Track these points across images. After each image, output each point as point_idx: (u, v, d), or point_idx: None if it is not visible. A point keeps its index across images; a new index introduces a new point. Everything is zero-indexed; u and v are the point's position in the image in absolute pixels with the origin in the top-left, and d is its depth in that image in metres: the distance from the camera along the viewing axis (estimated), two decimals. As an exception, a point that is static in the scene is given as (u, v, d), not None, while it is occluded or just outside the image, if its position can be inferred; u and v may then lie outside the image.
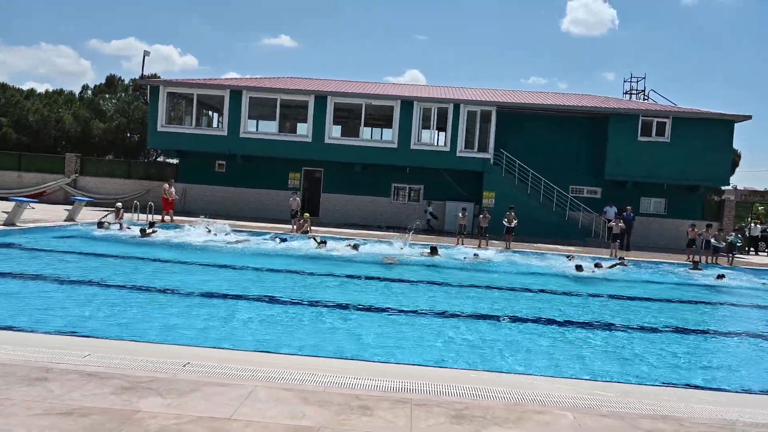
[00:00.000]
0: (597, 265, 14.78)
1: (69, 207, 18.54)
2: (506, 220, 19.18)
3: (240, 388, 4.38)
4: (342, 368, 5.20)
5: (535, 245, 19.98)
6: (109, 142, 33.55)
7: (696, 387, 5.94)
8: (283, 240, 15.45)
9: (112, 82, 37.75)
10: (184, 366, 4.82)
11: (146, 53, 29.47)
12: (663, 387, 5.77)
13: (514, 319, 8.46)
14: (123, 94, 35.55)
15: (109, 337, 5.97)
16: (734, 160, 33.21)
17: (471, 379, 5.12)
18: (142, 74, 32.72)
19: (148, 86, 25.49)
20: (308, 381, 4.65)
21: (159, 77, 33.33)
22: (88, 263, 10.98)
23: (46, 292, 8.20)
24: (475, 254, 15.67)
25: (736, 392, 5.85)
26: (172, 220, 19.54)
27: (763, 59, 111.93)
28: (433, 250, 14.89)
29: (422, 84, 44.04)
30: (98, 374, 4.49)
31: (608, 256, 18.20)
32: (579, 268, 13.93)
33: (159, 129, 23.90)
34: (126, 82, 37.76)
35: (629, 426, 4.15)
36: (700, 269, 16.14)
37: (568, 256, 15.65)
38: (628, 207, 22.32)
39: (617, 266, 15.15)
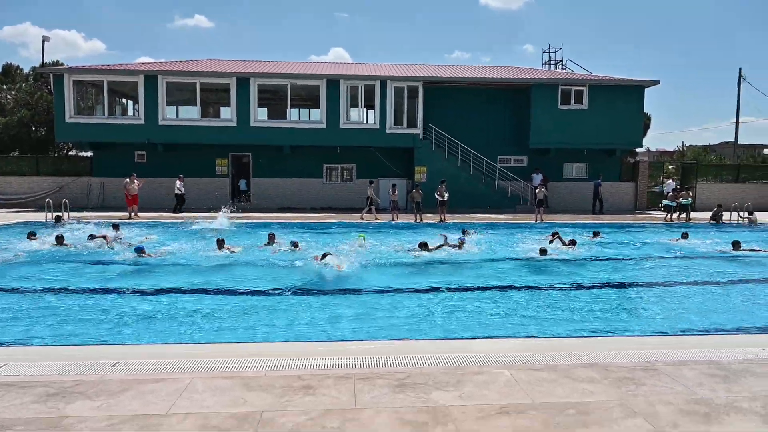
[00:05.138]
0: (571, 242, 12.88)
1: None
2: (438, 193, 19.52)
3: (176, 381, 4.22)
4: (284, 351, 5.14)
5: (469, 216, 20.53)
6: (12, 137, 30.81)
7: (622, 334, 6.35)
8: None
9: (9, 71, 34.51)
10: (113, 366, 4.58)
11: (45, 39, 27.20)
12: (593, 337, 6.14)
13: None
14: (23, 85, 32.61)
15: (26, 344, 5.58)
16: (646, 123, 35.32)
17: (413, 349, 5.21)
18: (43, 62, 30.28)
19: (51, 75, 23.61)
20: (249, 367, 4.56)
21: (63, 64, 30.94)
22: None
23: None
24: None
25: (657, 335, 6.32)
26: (136, 216, 18.85)
27: (667, 26, 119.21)
28: (424, 246, 11.96)
29: (348, 62, 43.56)
30: (18, 383, 4.19)
31: (534, 221, 19.01)
32: (544, 252, 11.89)
33: (67, 120, 22.24)
34: (26, 71, 34.70)
35: (561, 376, 4.37)
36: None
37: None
38: (600, 174, 23.40)
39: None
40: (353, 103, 23.66)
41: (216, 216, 16.90)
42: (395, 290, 8.53)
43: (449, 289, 8.30)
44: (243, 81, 22.61)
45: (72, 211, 18.76)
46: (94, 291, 8.28)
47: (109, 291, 8.26)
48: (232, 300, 7.85)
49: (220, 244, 11.81)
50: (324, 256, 9.95)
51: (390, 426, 3.52)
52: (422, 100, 23.22)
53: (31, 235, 12.53)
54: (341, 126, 23.03)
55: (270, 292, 8.27)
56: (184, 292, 8.24)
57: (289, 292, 8.24)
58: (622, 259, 12.41)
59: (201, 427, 3.52)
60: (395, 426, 3.52)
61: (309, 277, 9.32)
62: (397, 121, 23.41)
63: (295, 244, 11.92)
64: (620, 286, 9.54)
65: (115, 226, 14.30)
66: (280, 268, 10.24)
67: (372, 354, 4.89)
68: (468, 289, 8.67)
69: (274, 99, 24.81)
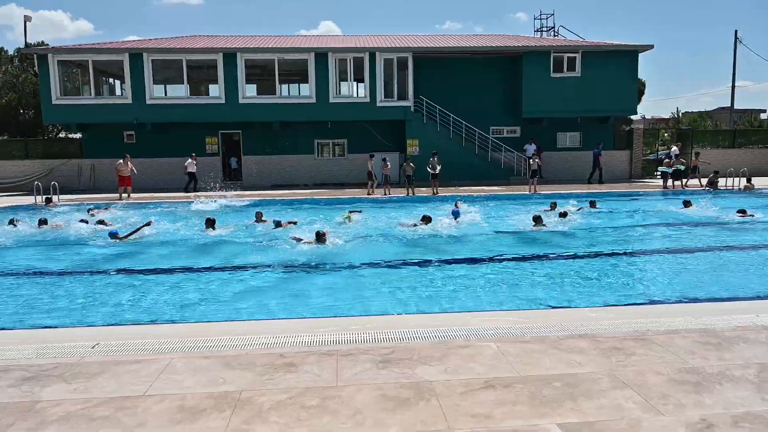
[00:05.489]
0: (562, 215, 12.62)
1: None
2: (430, 166, 19.31)
3: (155, 362, 4.12)
4: (267, 329, 5.03)
5: (461, 189, 20.37)
6: (0, 121, 30.39)
7: (614, 304, 6.27)
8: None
9: (-7, 54, 33.82)
10: (93, 347, 4.48)
11: (27, 18, 26.42)
12: (583, 308, 6.05)
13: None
14: (9, 67, 31.97)
15: (5, 327, 5.46)
16: (640, 89, 34.83)
17: (399, 324, 5.11)
18: (26, 42, 29.61)
19: (35, 55, 23.06)
20: (230, 346, 4.46)
21: (47, 45, 30.25)
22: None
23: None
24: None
25: (649, 304, 6.23)
26: (129, 197, 18.73)
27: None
28: (427, 220, 11.76)
29: (338, 35, 42.75)
30: (-7, 368, 4.08)
31: (528, 192, 18.87)
32: (538, 220, 11.62)
33: (54, 102, 21.83)
34: (11, 53, 33.97)
35: (550, 347, 4.28)
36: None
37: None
38: (600, 144, 23.12)
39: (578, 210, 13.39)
40: (342, 77, 23.25)
41: (191, 198, 16.72)
42: (384, 265, 8.43)
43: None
44: (230, 57, 22.15)
45: (63, 193, 18.56)
46: (77, 273, 8.16)
47: (91, 273, 8.13)
48: (215, 279, 7.73)
49: (210, 223, 11.63)
50: (319, 236, 9.71)
51: (371, 402, 3.42)
52: (412, 72, 22.82)
53: (11, 222, 12.28)
54: (331, 100, 22.66)
55: (255, 270, 8.15)
56: (166, 272, 8.13)
57: (276, 270, 8.12)
58: (618, 228, 12.29)
59: (178, 408, 3.42)
60: (377, 402, 3.43)
61: (295, 254, 9.20)
62: (388, 93, 23.04)
63: (278, 224, 11.77)
64: (614, 255, 9.44)
65: (91, 211, 14.20)
66: (265, 246, 10.10)
67: (357, 330, 4.79)
68: (457, 262, 8.57)
69: (262, 75, 24.36)
